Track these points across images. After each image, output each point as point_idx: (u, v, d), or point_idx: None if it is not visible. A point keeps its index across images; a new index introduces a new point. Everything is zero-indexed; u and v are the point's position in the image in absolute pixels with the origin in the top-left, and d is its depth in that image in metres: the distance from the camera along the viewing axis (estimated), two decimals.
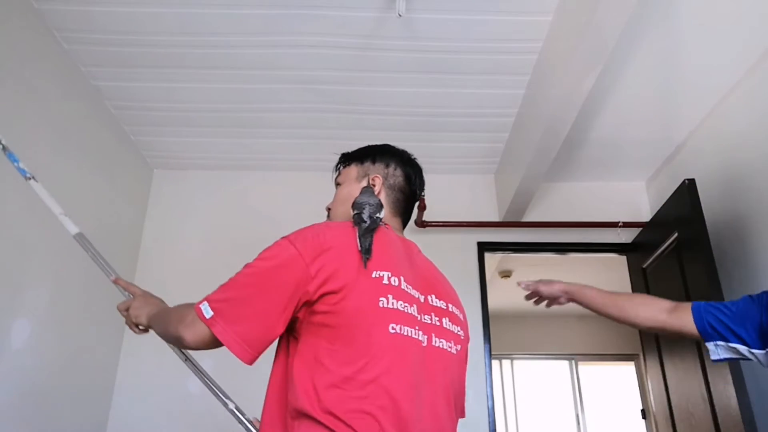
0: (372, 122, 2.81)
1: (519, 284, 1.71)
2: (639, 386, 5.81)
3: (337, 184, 1.33)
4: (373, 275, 1.03)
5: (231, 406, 1.25)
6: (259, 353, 0.99)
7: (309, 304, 1.00)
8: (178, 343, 1.07)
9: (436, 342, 1.08)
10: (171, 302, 3.39)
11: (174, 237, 3.08)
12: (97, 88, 2.57)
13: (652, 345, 2.84)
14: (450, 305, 1.17)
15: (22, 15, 2.08)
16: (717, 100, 2.56)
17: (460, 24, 2.19)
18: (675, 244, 2.55)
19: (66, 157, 2.36)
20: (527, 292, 1.68)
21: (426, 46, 2.30)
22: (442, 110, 2.72)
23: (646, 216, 3.12)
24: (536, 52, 2.33)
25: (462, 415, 1.20)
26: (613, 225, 3.06)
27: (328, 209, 1.33)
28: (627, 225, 3.06)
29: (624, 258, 3.16)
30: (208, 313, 0.98)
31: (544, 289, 1.65)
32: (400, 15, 1.99)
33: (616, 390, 6.02)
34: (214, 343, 0.99)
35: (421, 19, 2.17)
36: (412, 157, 1.35)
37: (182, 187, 3.21)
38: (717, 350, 1.40)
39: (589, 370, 6.15)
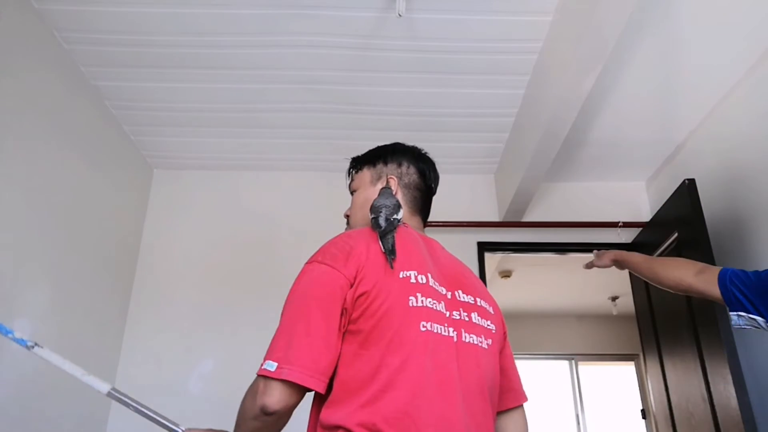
0: (372, 122, 2.81)
1: (585, 266, 2.08)
2: (639, 386, 5.81)
3: (353, 191, 1.33)
4: (401, 275, 1.04)
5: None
6: (330, 377, 0.98)
7: (347, 313, 1.00)
8: (263, 418, 0.95)
9: (466, 337, 1.08)
10: (170, 301, 3.40)
11: (174, 237, 3.08)
12: (97, 88, 2.57)
13: (652, 345, 2.84)
14: (478, 299, 1.16)
15: (22, 15, 2.08)
16: (717, 100, 2.56)
17: (460, 24, 2.19)
18: (675, 244, 2.55)
19: (66, 157, 2.36)
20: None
21: (426, 46, 2.30)
22: (442, 110, 2.72)
23: (646, 216, 3.12)
24: (536, 52, 2.33)
25: (523, 398, 1.22)
26: (613, 225, 3.06)
27: (347, 216, 1.33)
28: (627, 225, 3.06)
29: None
30: (272, 367, 0.94)
31: (599, 264, 1.96)
32: (400, 15, 1.99)
33: (616, 390, 6.02)
34: (297, 393, 0.95)
35: (421, 19, 2.17)
36: (423, 152, 1.36)
37: (182, 187, 3.20)
38: (739, 320, 1.46)
39: (589, 370, 6.15)
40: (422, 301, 1.03)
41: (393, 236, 1.07)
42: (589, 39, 1.89)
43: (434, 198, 1.39)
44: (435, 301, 1.05)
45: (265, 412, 0.94)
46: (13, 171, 2.04)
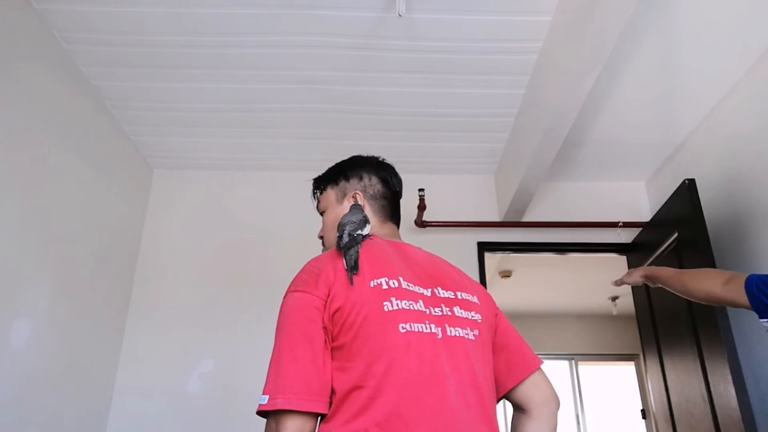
0: (372, 122, 2.81)
1: (613, 283, 2.00)
2: (639, 386, 5.82)
3: (321, 212, 1.34)
4: (372, 284, 1.05)
5: None
6: (329, 396, 0.98)
7: (327, 332, 1.02)
8: None
9: (451, 332, 1.08)
10: (170, 301, 3.40)
11: (173, 237, 3.08)
12: (97, 88, 2.57)
13: (652, 345, 2.84)
14: (459, 293, 1.17)
15: (22, 15, 2.08)
16: (717, 100, 2.56)
17: (460, 24, 2.19)
18: (675, 244, 2.55)
19: (66, 157, 2.36)
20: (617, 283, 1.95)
21: (426, 46, 2.30)
22: (442, 110, 2.72)
23: (646, 216, 3.12)
24: (536, 52, 2.33)
25: (534, 366, 1.19)
26: (613, 225, 3.06)
27: (321, 237, 1.34)
28: (627, 225, 3.06)
29: (624, 258, 3.16)
30: (264, 400, 0.94)
31: (629, 281, 1.91)
32: (400, 15, 1.99)
33: (616, 390, 6.02)
34: (308, 420, 0.94)
35: (421, 19, 2.17)
36: (381, 160, 1.36)
37: (182, 186, 3.21)
38: None
39: (589, 370, 6.15)
40: (397, 304, 1.04)
41: (356, 251, 1.09)
42: (589, 39, 1.89)
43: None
44: (412, 302, 1.06)
45: None
46: (13, 171, 2.04)
